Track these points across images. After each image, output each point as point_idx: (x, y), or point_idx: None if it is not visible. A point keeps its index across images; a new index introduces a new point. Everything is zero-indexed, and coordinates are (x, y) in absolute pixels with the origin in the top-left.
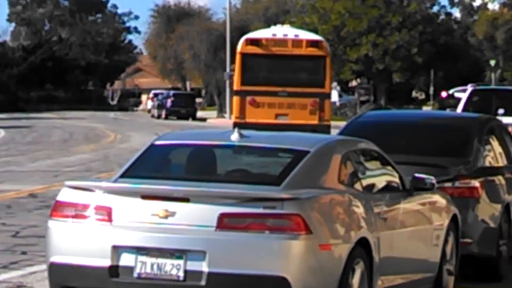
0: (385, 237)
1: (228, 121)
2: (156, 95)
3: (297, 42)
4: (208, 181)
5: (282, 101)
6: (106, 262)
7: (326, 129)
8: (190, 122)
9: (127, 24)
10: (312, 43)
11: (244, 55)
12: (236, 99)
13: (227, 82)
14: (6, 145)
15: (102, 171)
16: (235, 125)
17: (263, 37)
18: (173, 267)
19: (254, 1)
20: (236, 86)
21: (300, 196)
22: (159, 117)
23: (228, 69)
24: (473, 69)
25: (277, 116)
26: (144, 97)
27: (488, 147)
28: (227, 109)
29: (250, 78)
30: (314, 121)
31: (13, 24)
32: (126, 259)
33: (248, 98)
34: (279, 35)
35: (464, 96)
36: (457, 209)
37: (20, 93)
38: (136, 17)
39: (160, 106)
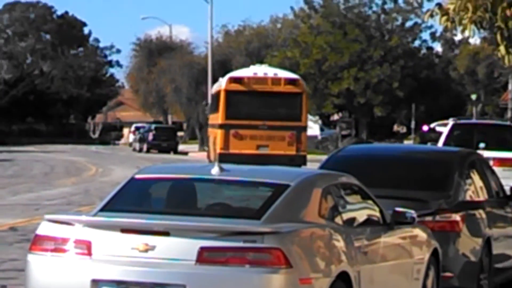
0: (366, 271)
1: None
2: (137, 128)
3: (276, 80)
4: (188, 214)
5: (262, 134)
6: None
7: (303, 159)
8: (171, 156)
9: (109, 58)
10: (290, 81)
11: (228, 92)
12: (220, 132)
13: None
14: None
15: (83, 205)
16: (220, 155)
17: (245, 75)
18: None
19: (236, 35)
20: (220, 120)
21: (280, 230)
22: (140, 150)
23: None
24: (454, 103)
25: (258, 147)
26: (126, 131)
27: (469, 181)
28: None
29: (234, 113)
30: (292, 151)
31: None
32: None
33: (232, 131)
34: (260, 74)
35: (445, 130)
36: (438, 243)
37: (1, 126)
38: (118, 51)
39: (142, 140)
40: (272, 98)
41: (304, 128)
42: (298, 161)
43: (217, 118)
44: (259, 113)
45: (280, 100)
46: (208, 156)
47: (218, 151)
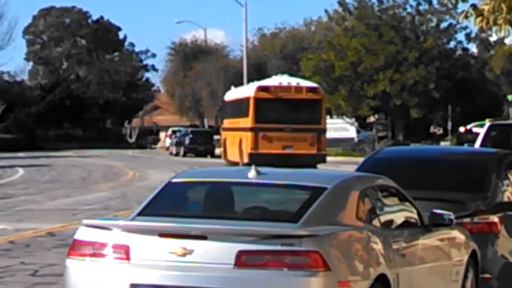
0: (404, 273)
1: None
2: (174, 132)
3: (298, 89)
4: (225, 218)
5: (287, 136)
6: None
7: (323, 158)
8: (208, 160)
9: (145, 62)
10: (311, 89)
11: (257, 99)
12: (251, 134)
13: None
14: (25, 184)
15: (121, 209)
16: (251, 155)
17: (271, 85)
18: None
19: (271, 38)
20: (251, 124)
21: (318, 233)
22: (177, 154)
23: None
24: (491, 104)
25: (284, 147)
26: (162, 135)
27: (506, 182)
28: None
29: (262, 117)
30: (314, 151)
31: (31, 63)
32: None
33: (261, 134)
34: (284, 83)
35: (482, 131)
36: (476, 245)
37: (38, 132)
38: (154, 55)
39: (179, 144)
40: (295, 104)
41: (324, 131)
42: (319, 159)
43: (246, 122)
44: (284, 117)
45: (302, 106)
46: (225, 156)
47: (248, 151)
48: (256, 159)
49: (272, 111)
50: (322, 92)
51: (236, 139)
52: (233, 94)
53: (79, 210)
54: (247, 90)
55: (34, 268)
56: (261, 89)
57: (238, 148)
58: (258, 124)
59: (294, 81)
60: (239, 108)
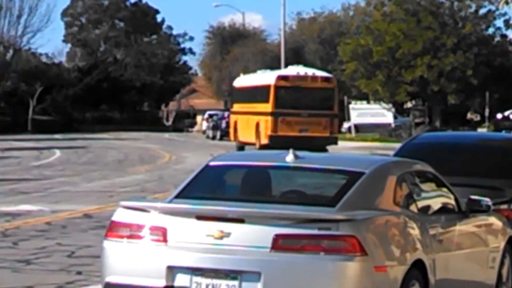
0: (441, 259)
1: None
2: (211, 116)
3: (314, 78)
4: (263, 202)
5: (303, 120)
6: (161, 283)
7: (335, 140)
8: None
9: (182, 45)
10: (325, 79)
11: (277, 87)
12: (271, 118)
13: None
14: (62, 166)
15: (157, 192)
16: (271, 137)
17: (290, 74)
18: None
19: (309, 23)
20: (271, 109)
21: (355, 217)
22: (213, 138)
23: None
24: None
25: (300, 130)
26: (199, 118)
27: None
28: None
29: (282, 104)
30: (327, 134)
31: (69, 45)
32: (181, 280)
33: (280, 118)
34: (301, 73)
35: None
36: None
37: (75, 114)
38: (191, 38)
39: (215, 127)
40: (311, 92)
41: (336, 116)
42: (331, 141)
43: (266, 107)
44: (301, 104)
45: (317, 94)
46: (235, 138)
47: (269, 133)
48: (275, 141)
49: (290, 98)
50: (335, 81)
51: (252, 122)
52: (245, 81)
53: (115, 192)
54: (266, 78)
55: (71, 249)
56: (281, 78)
57: (254, 131)
58: (278, 109)
59: (310, 71)
60: (256, 94)
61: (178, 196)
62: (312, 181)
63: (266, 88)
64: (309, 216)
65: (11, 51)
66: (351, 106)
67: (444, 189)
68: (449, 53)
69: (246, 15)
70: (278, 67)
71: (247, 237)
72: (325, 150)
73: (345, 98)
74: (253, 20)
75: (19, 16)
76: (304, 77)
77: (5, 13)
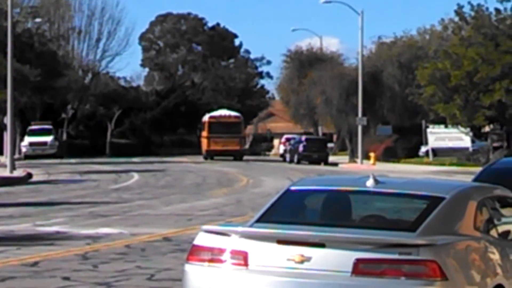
0: None
1: (360, 166)
2: (288, 139)
3: (229, 116)
4: (343, 226)
5: (224, 140)
6: None
7: (243, 152)
8: (322, 167)
9: (260, 69)
10: (235, 116)
11: (209, 122)
12: (206, 140)
13: (359, 127)
14: (140, 189)
15: (235, 215)
16: (207, 151)
17: (216, 114)
18: None
19: (388, 47)
20: (206, 134)
21: (436, 242)
22: (291, 161)
23: (360, 114)
24: None
25: (223, 145)
26: (276, 142)
27: None
28: (359, 154)
29: (212, 131)
30: (238, 148)
31: (147, 69)
32: None
33: (212, 139)
34: (223, 114)
35: None
36: None
37: (153, 137)
38: (269, 62)
39: (292, 151)
40: (227, 124)
41: (243, 137)
42: (241, 152)
43: (206, 133)
44: (222, 130)
45: (231, 125)
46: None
47: (205, 148)
48: (210, 152)
49: (216, 127)
50: (242, 117)
51: (204, 140)
52: (204, 117)
53: (194, 216)
54: (205, 117)
55: (150, 272)
56: (211, 117)
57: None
58: (210, 134)
59: (227, 112)
60: (202, 126)
61: (259, 220)
62: (392, 205)
63: (204, 123)
64: (390, 240)
65: (90, 75)
66: (428, 130)
67: None
68: None
69: (323, 39)
70: (355, 91)
71: (328, 261)
72: (240, 160)
73: (423, 122)
74: (330, 44)
75: (98, 40)
76: (224, 116)
77: (84, 37)
